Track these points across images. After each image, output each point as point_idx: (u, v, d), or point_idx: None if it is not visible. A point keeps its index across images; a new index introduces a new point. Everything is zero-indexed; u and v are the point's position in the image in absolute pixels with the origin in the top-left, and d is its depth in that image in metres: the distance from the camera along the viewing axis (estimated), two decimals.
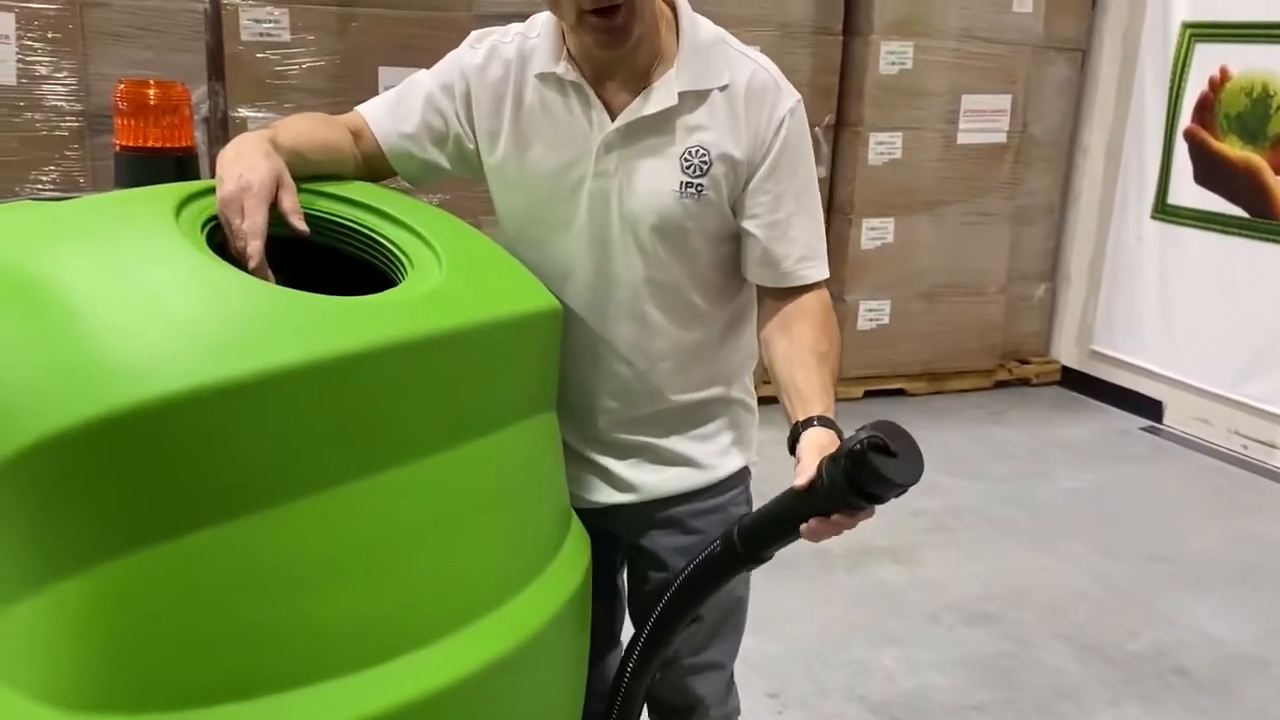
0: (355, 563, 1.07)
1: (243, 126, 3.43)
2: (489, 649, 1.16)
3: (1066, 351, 5.04)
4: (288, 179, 1.25)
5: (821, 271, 1.45)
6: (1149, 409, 4.57)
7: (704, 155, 1.38)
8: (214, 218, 1.21)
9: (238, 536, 1.00)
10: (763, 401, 1.56)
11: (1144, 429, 4.50)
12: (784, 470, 1.26)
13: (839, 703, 2.52)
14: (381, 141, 1.45)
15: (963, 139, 4.51)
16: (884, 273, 4.52)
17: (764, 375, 1.48)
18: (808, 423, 1.30)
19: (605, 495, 1.52)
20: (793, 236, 1.42)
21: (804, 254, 1.43)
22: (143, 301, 1.03)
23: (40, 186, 3.28)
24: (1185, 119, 4.37)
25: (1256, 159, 4.13)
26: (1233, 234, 4.21)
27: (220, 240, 1.20)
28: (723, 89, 1.38)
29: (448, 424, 1.15)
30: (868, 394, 4.61)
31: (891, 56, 4.30)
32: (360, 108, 1.48)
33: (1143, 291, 4.58)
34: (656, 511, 1.53)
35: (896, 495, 1.16)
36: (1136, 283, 4.61)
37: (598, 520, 1.50)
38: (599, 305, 1.44)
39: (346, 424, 1.05)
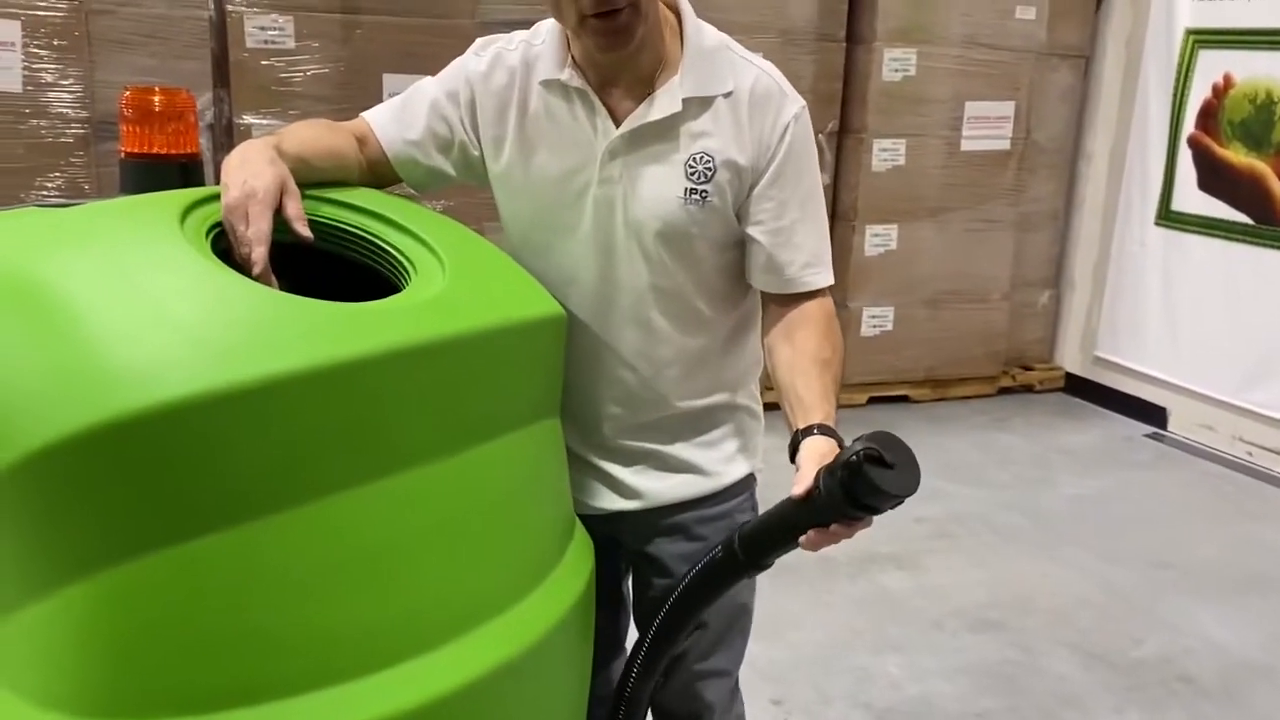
0: (359, 568, 1.07)
1: (247, 133, 3.44)
2: (493, 655, 1.16)
3: (1070, 358, 5.04)
4: (292, 186, 1.25)
5: (826, 278, 1.45)
6: (1153, 415, 4.56)
7: (708, 162, 1.38)
8: (219, 224, 1.22)
9: (242, 542, 1.00)
10: (768, 408, 1.56)
11: (1148, 435, 4.50)
12: (789, 477, 1.26)
13: (843, 709, 2.51)
14: (386, 148, 1.45)
15: (966, 146, 4.51)
16: (887, 279, 4.52)
17: (769, 381, 1.48)
18: (808, 431, 1.30)
19: (610, 502, 1.52)
20: (797, 243, 1.42)
21: (808, 260, 1.43)
22: (148, 307, 1.03)
23: (46, 193, 3.29)
24: (1189, 125, 4.37)
25: (1260, 166, 4.13)
26: (1237, 240, 4.21)
27: (225, 246, 1.20)
28: (727, 95, 1.38)
29: (451, 430, 1.15)
30: (871, 400, 4.61)
31: (895, 63, 4.30)
32: (365, 114, 1.48)
33: (1147, 298, 4.58)
34: (661, 518, 1.53)
35: (894, 506, 1.16)
36: (1140, 289, 4.61)
37: (603, 527, 1.50)
38: (603, 311, 1.44)
39: (350, 430, 1.06)
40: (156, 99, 1.47)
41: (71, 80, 3.31)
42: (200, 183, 1.47)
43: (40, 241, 1.11)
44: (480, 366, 1.18)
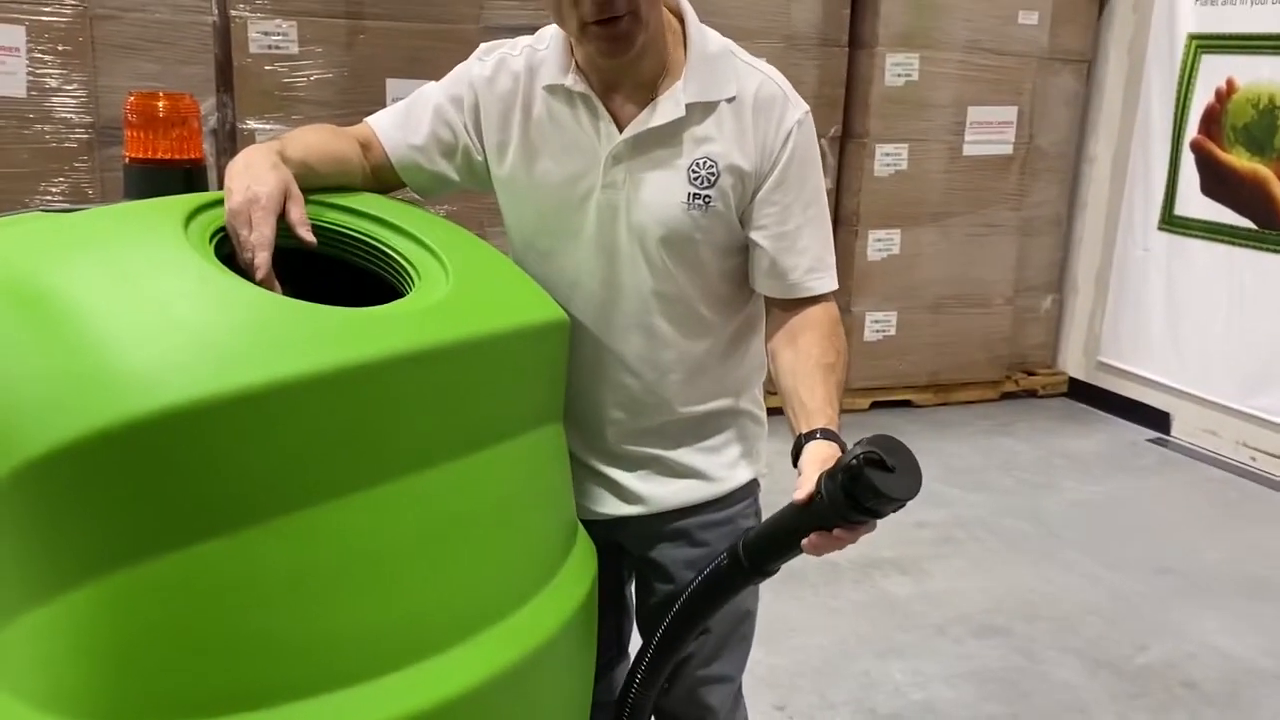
0: (362, 573, 1.07)
1: (251, 138, 3.45)
2: (495, 660, 1.16)
3: (1073, 363, 5.04)
4: (295, 191, 1.26)
5: (830, 283, 1.45)
6: (1156, 420, 4.56)
7: (712, 167, 1.38)
8: (222, 229, 1.22)
9: (245, 546, 1.00)
10: (772, 413, 1.56)
11: (1151, 440, 4.49)
12: (793, 482, 1.26)
13: (846, 715, 2.51)
14: (390, 153, 1.45)
15: (969, 150, 4.51)
16: (890, 284, 4.52)
17: (772, 386, 1.48)
18: (810, 435, 1.30)
19: (613, 507, 1.52)
20: (801, 248, 1.42)
21: (812, 265, 1.43)
22: (152, 312, 1.03)
23: (50, 198, 3.30)
24: (1192, 130, 4.37)
25: (1264, 170, 4.13)
26: (1240, 245, 4.20)
27: (229, 251, 1.20)
28: (730, 100, 1.38)
29: (454, 434, 1.15)
30: (874, 405, 4.61)
31: (897, 68, 4.31)
32: (369, 119, 1.48)
33: (1150, 303, 4.58)
34: (665, 524, 1.52)
35: (895, 510, 1.16)
36: (1143, 294, 4.61)
37: (606, 532, 1.50)
38: (607, 316, 1.44)
39: (353, 434, 1.06)
40: (160, 104, 1.47)
41: (76, 85, 3.31)
42: (204, 188, 1.48)
43: (44, 246, 1.11)
44: (484, 371, 1.18)
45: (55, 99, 3.30)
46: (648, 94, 1.38)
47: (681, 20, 1.41)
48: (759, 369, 1.56)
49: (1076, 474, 4.10)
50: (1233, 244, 4.23)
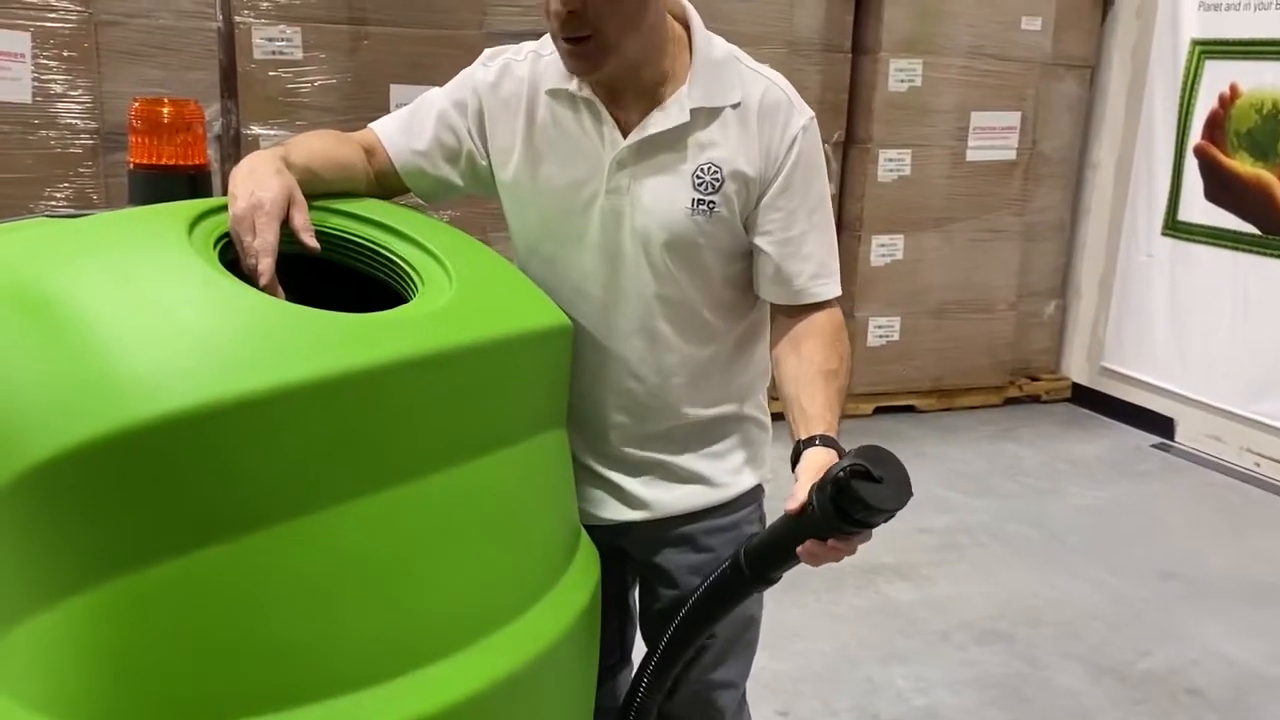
0: (363, 579, 1.07)
1: (255, 144, 3.45)
2: (498, 666, 1.15)
3: (1077, 368, 5.03)
4: (299, 196, 1.26)
5: (834, 289, 1.45)
6: (1160, 426, 4.55)
7: (716, 172, 1.38)
8: (226, 234, 1.22)
9: (247, 552, 1.00)
10: (776, 418, 1.56)
11: (1155, 446, 4.48)
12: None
13: None
14: (394, 158, 1.46)
15: (972, 156, 4.51)
16: (894, 289, 4.52)
17: (777, 391, 1.47)
18: (809, 442, 1.30)
19: (617, 512, 1.51)
20: (805, 254, 1.42)
21: (816, 271, 1.43)
22: (156, 317, 1.03)
23: (54, 203, 3.30)
24: (1195, 135, 4.36)
25: (1267, 176, 4.12)
26: (1244, 250, 4.20)
27: (233, 257, 1.20)
28: (735, 106, 1.38)
29: (457, 440, 1.16)
30: (878, 411, 4.60)
31: (900, 74, 4.31)
32: (373, 125, 1.49)
33: (1153, 308, 4.57)
34: (668, 529, 1.52)
35: (885, 520, 1.16)
36: (1147, 299, 4.60)
37: (609, 537, 1.50)
38: (610, 321, 1.44)
39: (356, 440, 1.06)
40: (165, 110, 1.48)
41: (80, 91, 3.32)
42: (208, 193, 1.48)
43: (49, 252, 1.11)
44: (487, 377, 1.18)
45: (60, 105, 3.31)
46: (652, 100, 1.38)
47: (687, 27, 1.41)
48: (763, 375, 1.56)
49: (1080, 479, 4.09)
50: (1236, 249, 4.23)
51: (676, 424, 1.49)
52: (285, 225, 1.23)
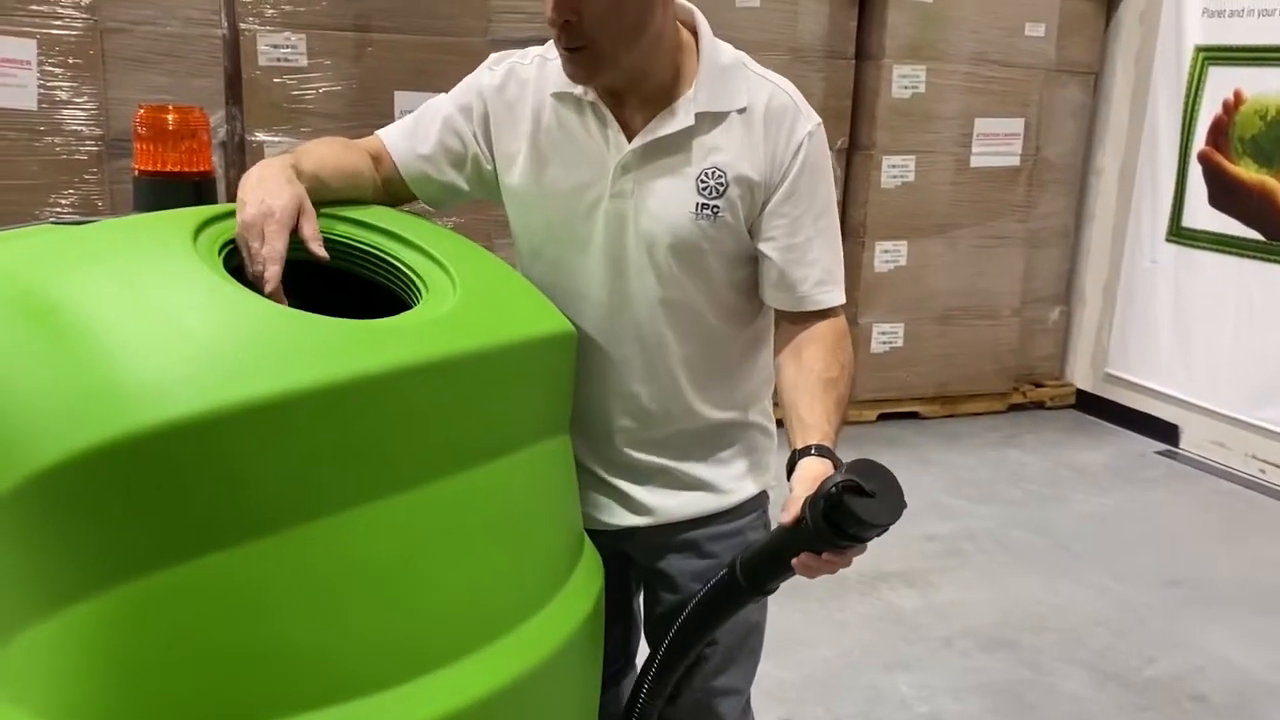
0: (367, 585, 1.07)
1: (259, 150, 3.46)
2: (502, 672, 1.15)
3: (1081, 374, 5.02)
4: (308, 205, 1.26)
5: (838, 296, 1.44)
6: (1165, 432, 4.54)
7: (720, 177, 1.38)
8: (231, 241, 1.22)
9: (251, 558, 1.00)
10: (781, 425, 1.56)
11: (1160, 453, 4.48)
12: None
13: None
14: (399, 164, 1.46)
15: (976, 162, 4.51)
16: (897, 295, 4.52)
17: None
18: (804, 451, 1.29)
19: (621, 518, 1.51)
20: (811, 260, 1.42)
21: (821, 278, 1.42)
22: (161, 324, 1.03)
23: (60, 210, 3.31)
24: (1199, 142, 4.36)
25: (1271, 182, 4.12)
26: (1248, 257, 4.20)
27: (238, 264, 1.21)
28: (741, 111, 1.39)
29: (461, 446, 1.16)
30: (881, 417, 4.60)
31: (904, 80, 4.31)
32: (379, 132, 1.49)
33: (1158, 314, 4.57)
34: (672, 535, 1.52)
35: (879, 534, 1.16)
36: (1151, 306, 4.60)
37: (614, 542, 1.50)
38: (615, 326, 1.44)
39: (360, 446, 1.06)
40: (170, 117, 1.48)
41: (86, 98, 3.33)
42: (213, 200, 1.48)
43: (55, 259, 1.11)
44: (491, 383, 1.18)
45: (66, 111, 3.33)
46: (657, 104, 1.38)
47: (695, 32, 1.42)
48: (768, 382, 1.56)
49: (1085, 486, 4.08)
50: (1241, 256, 4.22)
51: (681, 429, 1.49)
52: (293, 234, 1.23)
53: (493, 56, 1.49)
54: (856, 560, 1.22)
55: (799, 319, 1.44)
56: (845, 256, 1.49)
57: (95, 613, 0.97)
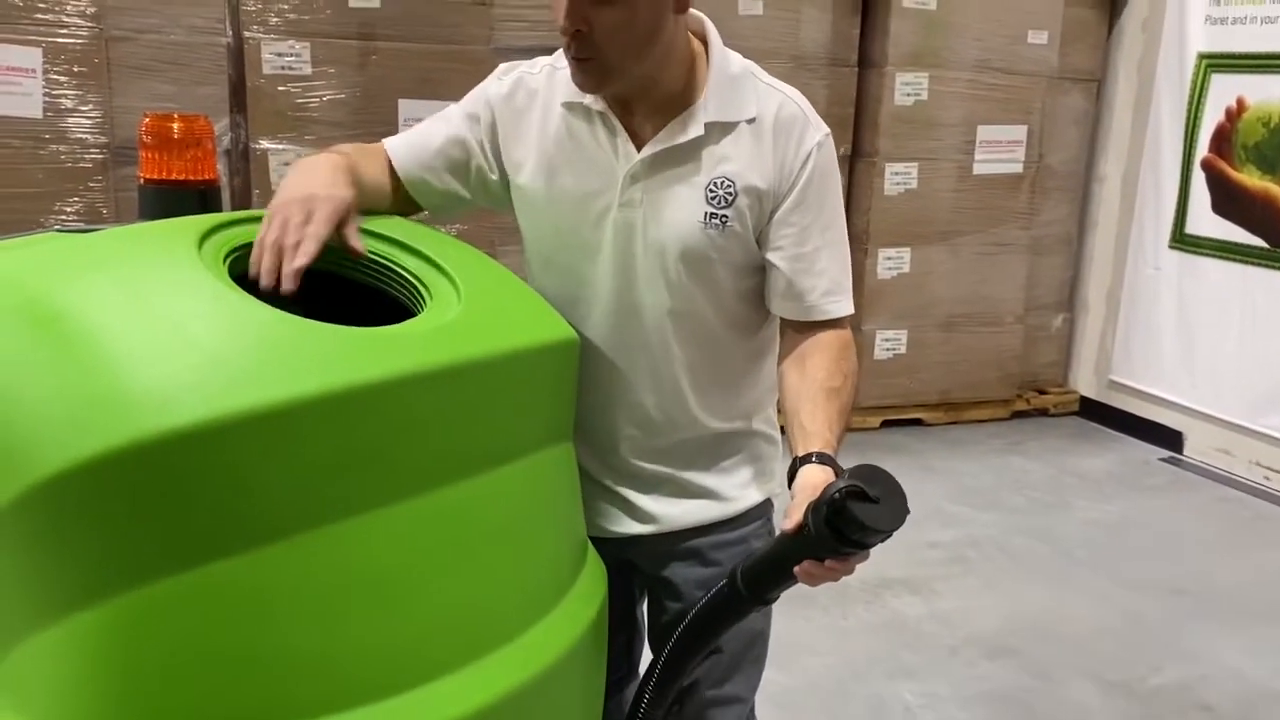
0: (371, 593, 1.07)
1: (263, 158, 3.47)
2: (505, 680, 1.15)
3: (1085, 381, 5.02)
4: (355, 213, 1.29)
5: (845, 307, 1.44)
6: (1169, 439, 4.54)
7: (729, 186, 1.38)
8: (236, 249, 1.22)
9: (254, 566, 1.00)
10: (785, 431, 1.56)
11: (1164, 460, 4.47)
12: None
13: None
14: (400, 172, 1.46)
15: (978, 169, 4.52)
16: (900, 302, 4.52)
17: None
18: (805, 459, 1.29)
19: (626, 526, 1.51)
20: (818, 270, 1.42)
21: (829, 288, 1.42)
22: (165, 332, 1.03)
23: (64, 217, 3.32)
24: (1202, 149, 4.37)
25: (1274, 189, 4.12)
26: (1252, 264, 4.19)
27: (242, 271, 1.21)
28: (750, 122, 1.39)
29: (465, 454, 1.16)
30: (885, 424, 4.60)
31: (907, 87, 4.32)
32: (385, 141, 1.50)
33: (1161, 321, 4.56)
34: (677, 543, 1.52)
35: (882, 540, 1.15)
36: (1155, 312, 4.59)
37: (618, 550, 1.50)
38: (622, 334, 1.44)
39: (364, 454, 1.06)
40: (175, 126, 1.49)
41: (91, 106, 3.35)
42: (218, 208, 1.49)
43: (60, 266, 1.11)
44: (495, 391, 1.19)
45: (71, 119, 3.34)
46: (667, 113, 1.39)
47: (705, 42, 1.42)
48: (772, 390, 1.56)
49: (1089, 493, 4.07)
50: (1244, 263, 4.22)
51: (686, 438, 1.49)
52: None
53: (501, 66, 1.49)
54: (860, 567, 1.22)
55: (804, 328, 1.44)
56: None
57: (99, 620, 0.97)
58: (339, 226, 1.25)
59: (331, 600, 1.04)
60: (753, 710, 1.64)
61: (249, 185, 3.53)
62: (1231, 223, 4.27)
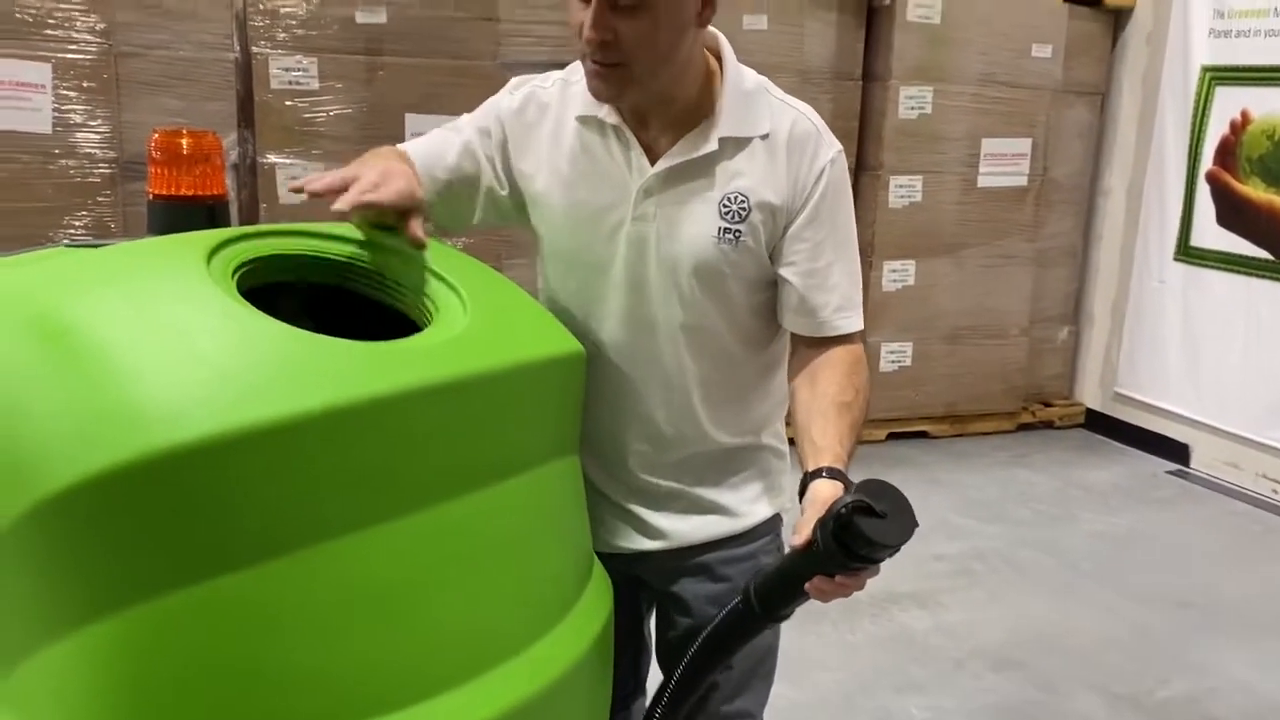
0: (377, 607, 1.07)
1: (271, 172, 3.49)
2: (510, 695, 1.15)
3: (1090, 394, 5.01)
4: (422, 209, 1.34)
5: (856, 323, 1.44)
6: (1175, 452, 4.52)
7: (743, 201, 1.38)
8: (244, 264, 1.23)
9: (263, 580, 1.00)
10: (794, 445, 1.56)
11: (1170, 473, 4.46)
12: None
13: None
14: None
15: (983, 182, 4.52)
16: (906, 315, 4.52)
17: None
18: (816, 474, 1.29)
19: (635, 542, 1.51)
20: (831, 285, 1.42)
21: (841, 304, 1.42)
22: (174, 347, 1.04)
23: (73, 232, 3.34)
24: (1207, 161, 4.37)
25: (1279, 201, 4.12)
26: (1257, 276, 4.19)
27: (251, 287, 1.21)
28: (764, 137, 1.39)
29: (471, 467, 1.16)
30: (890, 436, 4.59)
31: (911, 101, 4.33)
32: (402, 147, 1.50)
33: (1166, 334, 4.56)
34: (685, 559, 1.52)
35: (890, 555, 1.15)
36: (1160, 325, 4.59)
37: (626, 566, 1.50)
38: (635, 349, 1.44)
39: (372, 468, 1.06)
40: (184, 141, 1.49)
41: (100, 121, 3.36)
42: (226, 223, 1.49)
43: (69, 281, 1.12)
44: (502, 404, 1.19)
45: (80, 134, 3.36)
46: (681, 128, 1.39)
47: (719, 58, 1.42)
48: (781, 404, 1.56)
49: (1095, 506, 4.06)
50: (1249, 275, 4.22)
51: (696, 453, 1.49)
52: (299, 256, 1.24)
53: (513, 81, 1.50)
54: (869, 581, 1.22)
55: (816, 343, 1.43)
56: None
57: (106, 634, 0.97)
58: (405, 215, 1.28)
59: (338, 614, 1.04)
60: None
61: (256, 199, 3.54)
62: (1236, 235, 4.27)
